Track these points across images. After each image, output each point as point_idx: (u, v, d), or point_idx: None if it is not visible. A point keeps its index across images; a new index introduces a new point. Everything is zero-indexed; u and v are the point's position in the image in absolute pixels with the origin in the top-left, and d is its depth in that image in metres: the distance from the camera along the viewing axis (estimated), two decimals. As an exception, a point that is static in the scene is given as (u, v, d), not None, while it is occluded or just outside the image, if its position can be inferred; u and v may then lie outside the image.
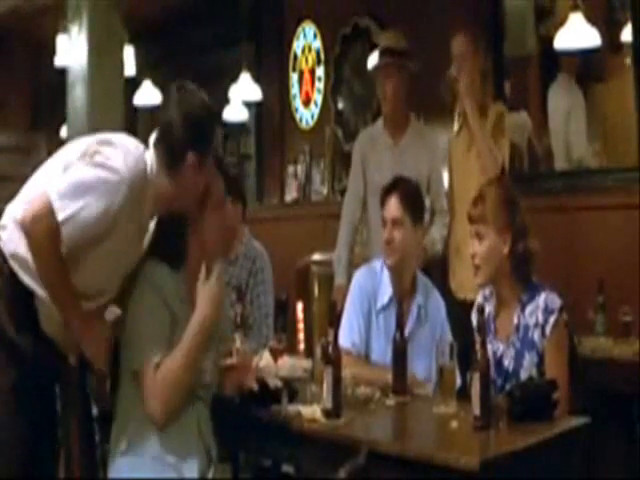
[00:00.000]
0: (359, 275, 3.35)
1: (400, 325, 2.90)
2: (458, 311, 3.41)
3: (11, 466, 2.43)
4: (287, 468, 3.00)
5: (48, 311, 2.44)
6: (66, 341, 2.51)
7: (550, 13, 4.57)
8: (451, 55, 4.04)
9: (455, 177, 4.12)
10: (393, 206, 3.23)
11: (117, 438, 2.48)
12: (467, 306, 3.07)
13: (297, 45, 6.39)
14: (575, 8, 4.12)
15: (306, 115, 6.31)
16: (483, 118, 3.93)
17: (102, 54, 5.14)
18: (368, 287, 3.26)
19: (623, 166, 4.22)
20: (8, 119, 7.92)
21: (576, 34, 4.13)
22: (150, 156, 2.49)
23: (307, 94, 6.31)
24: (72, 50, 5.28)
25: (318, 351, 3.19)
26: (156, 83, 6.67)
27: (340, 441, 2.41)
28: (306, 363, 2.90)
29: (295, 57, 6.41)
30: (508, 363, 2.77)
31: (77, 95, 5.16)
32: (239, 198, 3.78)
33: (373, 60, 4.52)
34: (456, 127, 4.27)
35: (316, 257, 4.99)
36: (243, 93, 6.32)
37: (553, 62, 4.52)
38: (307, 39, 6.30)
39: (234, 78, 6.28)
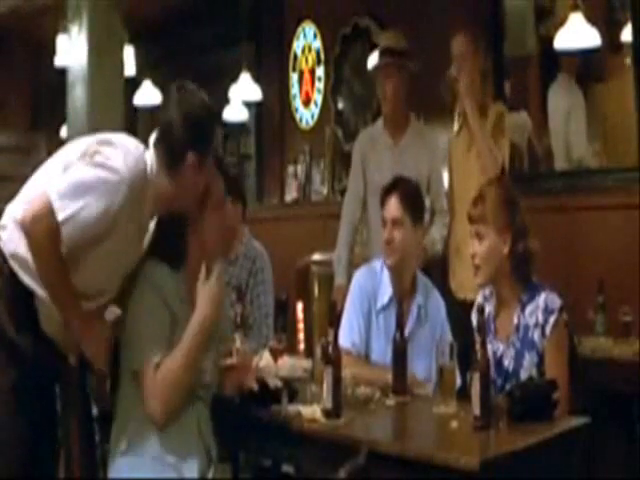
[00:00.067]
0: (359, 275, 3.35)
1: (400, 325, 2.90)
2: (458, 311, 3.41)
3: (11, 466, 2.43)
4: (287, 468, 3.00)
5: (48, 311, 2.44)
6: (66, 341, 2.50)
7: (550, 13, 4.57)
8: (451, 55, 4.04)
9: (455, 177, 4.12)
10: (393, 206, 3.23)
11: (117, 438, 2.48)
12: (467, 306, 3.07)
13: (297, 45, 6.39)
14: (575, 8, 4.12)
15: (306, 115, 6.31)
16: (483, 118, 3.93)
17: (102, 54, 5.14)
18: (368, 287, 3.26)
19: (623, 166, 4.22)
20: (8, 119, 7.92)
21: (576, 34, 4.12)
22: (150, 156, 2.49)
23: (307, 94, 6.31)
24: (72, 50, 5.28)
25: (318, 351, 3.19)
26: (156, 83, 6.67)
27: (340, 441, 2.41)
28: (306, 363, 2.90)
29: (295, 57, 6.41)
30: (508, 363, 2.77)
31: (77, 95, 5.16)
32: (239, 198, 3.78)
33: (373, 60, 4.52)
34: (456, 127, 4.27)
35: (316, 257, 4.99)
36: (243, 93, 6.32)
37: (553, 62, 4.52)
38: (307, 39, 6.30)
39: (234, 78, 6.28)
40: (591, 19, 4.11)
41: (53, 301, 2.41)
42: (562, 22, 4.18)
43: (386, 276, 3.26)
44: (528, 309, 2.75)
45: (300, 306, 4.64)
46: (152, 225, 2.61)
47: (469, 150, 3.98)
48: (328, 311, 3.26)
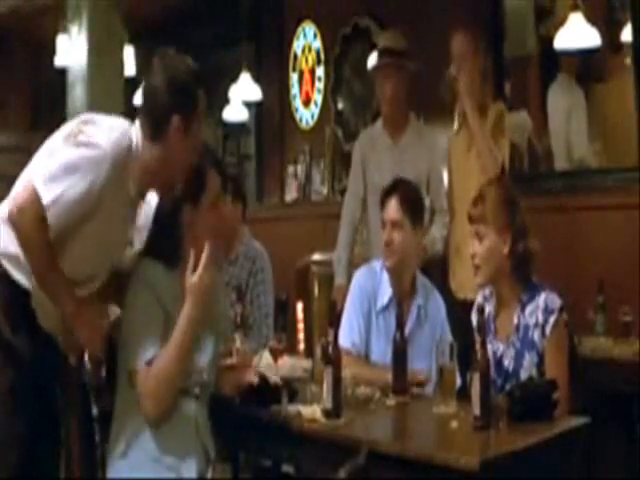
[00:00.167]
0: (359, 275, 3.35)
1: (400, 325, 2.90)
2: (458, 311, 3.41)
3: (11, 467, 2.42)
4: (287, 468, 3.00)
5: (45, 307, 2.43)
6: (65, 335, 2.50)
7: (550, 13, 4.57)
8: (451, 55, 4.03)
9: (454, 177, 4.12)
10: (393, 208, 3.23)
11: (115, 440, 2.48)
12: (467, 306, 3.07)
13: (297, 45, 6.39)
14: (575, 8, 4.11)
15: (306, 115, 6.31)
16: (483, 118, 3.92)
17: (102, 54, 5.15)
18: (368, 287, 3.26)
19: (623, 166, 4.22)
20: (8, 119, 7.92)
21: (576, 34, 4.12)
22: (136, 130, 2.47)
23: (307, 94, 6.31)
24: (72, 50, 5.28)
25: (318, 351, 3.19)
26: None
27: (340, 441, 2.41)
28: (306, 363, 2.90)
29: (295, 57, 6.41)
30: (508, 363, 2.76)
31: (77, 95, 5.16)
32: (239, 198, 3.78)
33: (372, 60, 4.52)
34: (456, 126, 4.26)
35: (316, 257, 4.99)
36: (243, 93, 6.32)
37: (553, 62, 4.52)
38: (307, 39, 6.30)
39: (234, 78, 6.28)
40: (591, 19, 4.10)
41: (44, 290, 2.40)
42: (562, 22, 4.18)
43: (386, 276, 3.25)
44: (528, 309, 2.74)
45: (300, 306, 4.64)
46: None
47: (469, 150, 3.98)
48: (328, 311, 3.26)
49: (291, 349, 3.42)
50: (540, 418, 2.44)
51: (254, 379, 2.62)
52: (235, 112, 6.55)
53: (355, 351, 3.16)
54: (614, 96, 4.34)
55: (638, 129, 4.11)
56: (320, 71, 6.19)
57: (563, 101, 4.57)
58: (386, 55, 4.26)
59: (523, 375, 2.71)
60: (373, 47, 4.82)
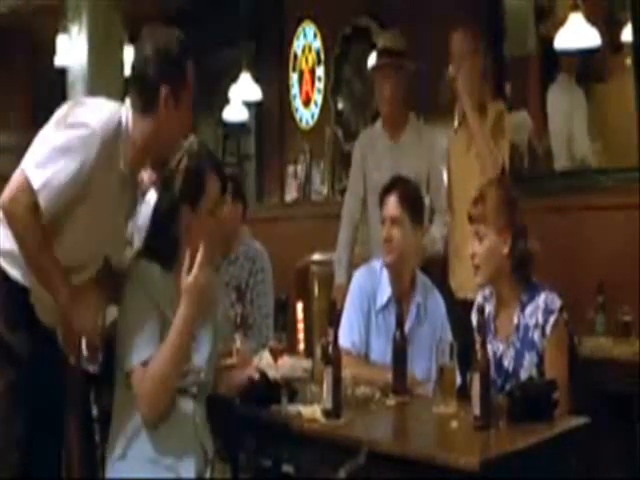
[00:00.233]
0: (359, 275, 3.35)
1: (400, 324, 2.90)
2: (458, 311, 3.40)
3: (13, 467, 2.42)
4: (287, 468, 2.99)
5: (43, 301, 2.43)
6: (63, 327, 2.49)
7: (550, 13, 4.57)
8: (450, 55, 4.03)
9: (454, 177, 4.12)
10: (392, 205, 3.24)
11: (113, 443, 2.47)
12: (467, 306, 3.07)
13: (297, 45, 6.39)
14: (575, 8, 4.11)
15: (306, 115, 6.31)
16: (483, 117, 3.92)
17: (102, 54, 5.15)
18: (368, 287, 3.26)
19: (623, 166, 4.22)
20: (8, 119, 7.92)
21: (576, 34, 4.12)
22: (126, 109, 2.47)
23: (307, 94, 6.31)
24: (72, 50, 5.28)
25: (318, 351, 3.19)
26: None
27: (340, 441, 2.41)
28: (306, 363, 2.90)
29: (295, 57, 6.41)
30: (508, 363, 2.77)
31: (77, 95, 5.16)
32: (239, 198, 3.78)
33: (372, 60, 4.52)
34: (456, 125, 4.26)
35: (316, 257, 4.99)
36: (243, 93, 6.32)
37: (553, 62, 4.52)
38: (307, 39, 6.30)
39: (234, 78, 6.28)
40: (591, 19, 4.11)
41: (39, 278, 2.39)
42: (562, 22, 4.18)
43: (385, 276, 3.26)
44: (528, 309, 2.75)
45: (300, 306, 4.64)
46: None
47: (468, 150, 3.97)
48: (328, 311, 3.26)
49: (291, 349, 3.42)
50: (540, 418, 2.44)
51: (255, 374, 2.62)
52: (235, 112, 6.55)
53: (355, 351, 3.16)
54: (614, 96, 4.34)
55: (638, 129, 4.11)
56: (320, 71, 6.19)
57: (563, 101, 4.57)
58: (385, 55, 4.27)
59: (523, 375, 2.71)
60: (373, 47, 4.82)
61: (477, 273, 2.82)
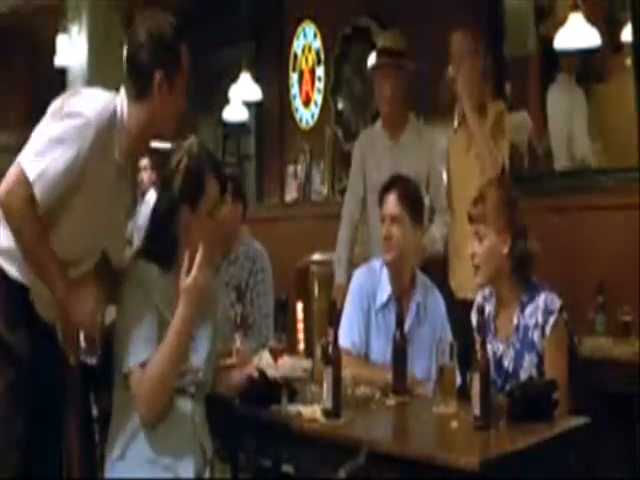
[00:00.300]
0: (358, 274, 3.35)
1: (400, 324, 2.90)
2: (458, 311, 3.40)
3: (13, 467, 2.42)
4: (287, 468, 3.00)
5: (43, 298, 2.42)
6: (63, 322, 2.49)
7: (550, 13, 4.57)
8: (450, 55, 4.03)
9: (453, 177, 4.11)
10: (391, 203, 3.24)
11: (112, 444, 2.47)
12: (467, 306, 3.07)
13: (297, 45, 6.39)
14: (575, 8, 4.11)
15: (306, 115, 6.31)
16: (483, 117, 3.92)
17: (102, 54, 5.15)
18: (367, 286, 3.26)
19: (623, 166, 4.22)
20: (8, 119, 7.92)
21: (576, 34, 4.12)
22: (121, 98, 2.46)
23: (307, 94, 6.31)
24: (72, 50, 5.29)
25: (318, 351, 3.19)
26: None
27: (340, 441, 2.41)
28: (306, 363, 2.90)
29: (295, 57, 6.41)
30: (508, 364, 2.77)
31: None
32: (239, 198, 3.78)
33: (372, 60, 4.52)
34: (455, 125, 4.25)
35: (316, 257, 4.99)
36: (243, 93, 6.33)
37: (553, 62, 4.52)
38: (307, 39, 6.30)
39: (234, 78, 6.28)
40: (591, 19, 4.11)
41: (36, 271, 2.38)
42: (562, 22, 4.18)
43: (385, 275, 3.26)
44: (528, 310, 2.75)
45: (300, 306, 4.64)
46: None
47: (468, 150, 3.97)
48: (328, 311, 3.26)
49: (291, 349, 3.42)
50: (540, 418, 2.44)
51: (254, 373, 2.62)
52: (235, 112, 6.55)
53: (355, 351, 3.16)
54: (614, 96, 4.34)
55: (638, 129, 4.11)
56: (320, 71, 6.19)
57: (563, 101, 4.57)
58: (384, 55, 4.27)
59: (523, 376, 2.71)
60: (373, 47, 4.82)
61: (477, 273, 2.82)
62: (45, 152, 2.34)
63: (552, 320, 2.69)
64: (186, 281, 2.41)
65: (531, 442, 2.30)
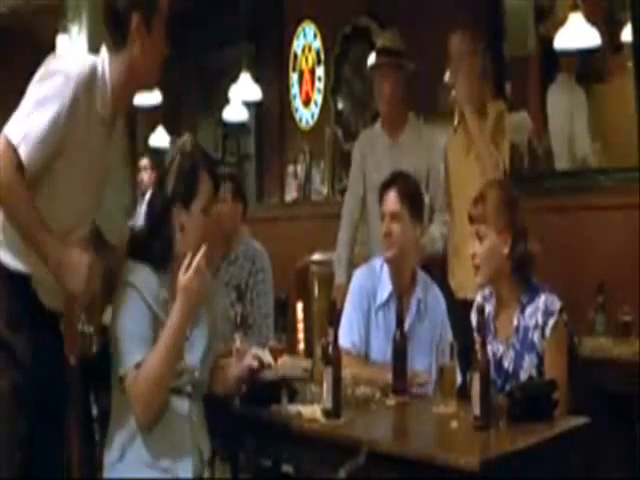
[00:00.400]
0: (358, 274, 3.35)
1: (400, 322, 2.90)
2: (458, 311, 3.40)
3: (16, 467, 2.41)
4: (287, 468, 3.00)
5: (45, 284, 2.39)
6: (68, 310, 2.48)
7: (550, 13, 4.57)
8: (449, 55, 4.02)
9: (453, 176, 4.10)
10: (391, 200, 3.24)
11: (110, 447, 2.47)
12: (467, 306, 3.07)
13: (297, 45, 6.39)
14: (575, 8, 4.11)
15: (306, 115, 6.31)
16: (483, 118, 3.91)
17: (102, 54, 5.14)
18: (368, 286, 3.26)
19: (623, 166, 4.22)
20: (8, 119, 7.91)
21: (576, 34, 4.12)
22: (102, 59, 2.45)
23: (307, 94, 6.31)
24: (72, 50, 5.28)
25: (318, 351, 3.19)
26: (156, 83, 6.66)
27: (340, 441, 2.40)
28: (306, 363, 2.90)
29: (295, 57, 6.41)
30: (508, 364, 2.76)
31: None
32: (239, 198, 3.79)
33: (371, 60, 4.53)
34: (455, 123, 4.24)
35: (316, 257, 4.99)
36: (243, 93, 6.32)
37: (553, 62, 4.52)
38: (307, 39, 6.30)
39: (234, 78, 6.28)
40: (591, 19, 4.10)
41: (27, 240, 2.34)
42: (562, 22, 4.18)
43: (385, 274, 3.26)
44: (528, 310, 2.74)
45: (300, 306, 4.64)
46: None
47: (467, 149, 3.96)
48: (328, 311, 3.26)
49: (291, 349, 3.43)
50: (540, 418, 2.44)
51: (254, 363, 2.61)
52: (235, 112, 6.55)
53: (355, 351, 3.16)
54: (614, 96, 4.34)
55: (638, 129, 4.11)
56: (320, 71, 6.19)
57: (563, 101, 4.57)
58: (384, 55, 4.27)
59: (523, 376, 2.71)
60: (373, 47, 4.82)
61: (477, 273, 2.82)
62: (27, 115, 2.33)
63: (552, 321, 2.69)
64: (183, 280, 2.41)
65: (531, 442, 2.30)
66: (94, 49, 2.58)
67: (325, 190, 6.05)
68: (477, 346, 2.45)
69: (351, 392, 2.75)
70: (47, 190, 2.39)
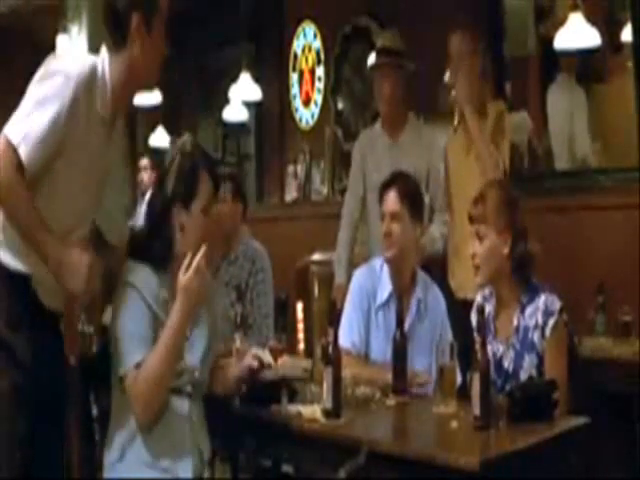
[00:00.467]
0: (358, 274, 3.35)
1: (400, 322, 2.90)
2: (458, 311, 3.40)
3: (16, 467, 2.41)
4: (287, 468, 3.00)
5: (45, 284, 2.39)
6: (68, 310, 2.48)
7: (550, 13, 4.57)
8: (449, 56, 4.02)
9: (452, 176, 4.10)
10: (391, 200, 3.24)
11: (110, 447, 2.47)
12: (467, 306, 3.07)
13: (297, 45, 6.39)
14: (575, 8, 4.11)
15: (306, 115, 6.31)
16: (483, 118, 3.91)
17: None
18: (368, 286, 3.26)
19: (623, 166, 4.22)
20: (8, 119, 7.91)
21: (576, 34, 4.12)
22: (102, 59, 2.45)
23: (307, 94, 6.32)
24: (72, 50, 5.28)
25: (318, 351, 3.19)
26: (156, 83, 6.67)
27: (340, 441, 2.40)
28: (306, 363, 2.90)
29: (295, 57, 6.41)
30: (508, 364, 2.76)
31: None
32: (239, 198, 3.79)
33: (371, 60, 4.53)
34: (455, 123, 4.24)
35: (316, 257, 4.99)
36: (243, 93, 6.32)
37: (553, 62, 4.52)
38: (307, 39, 6.30)
39: (234, 78, 6.28)
40: (591, 19, 4.10)
41: (26, 238, 2.34)
42: (562, 22, 4.18)
43: (385, 274, 3.26)
44: (528, 311, 2.74)
45: (300, 306, 4.64)
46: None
47: (467, 149, 3.96)
48: (328, 311, 3.26)
49: (291, 349, 3.43)
50: (540, 418, 2.44)
51: (254, 362, 2.61)
52: (235, 112, 6.55)
53: (355, 351, 3.16)
54: (614, 96, 4.34)
55: (638, 129, 4.11)
56: (320, 71, 6.19)
57: (563, 101, 4.57)
58: (384, 54, 4.28)
59: (523, 376, 2.71)
60: (373, 47, 4.82)
61: (477, 273, 2.82)
62: (27, 115, 2.33)
63: (552, 321, 2.69)
64: (183, 280, 2.40)
65: (531, 442, 2.30)
66: (94, 49, 2.57)
67: (325, 190, 6.05)
68: (477, 346, 2.45)
69: (351, 392, 2.75)
70: (47, 190, 2.39)
